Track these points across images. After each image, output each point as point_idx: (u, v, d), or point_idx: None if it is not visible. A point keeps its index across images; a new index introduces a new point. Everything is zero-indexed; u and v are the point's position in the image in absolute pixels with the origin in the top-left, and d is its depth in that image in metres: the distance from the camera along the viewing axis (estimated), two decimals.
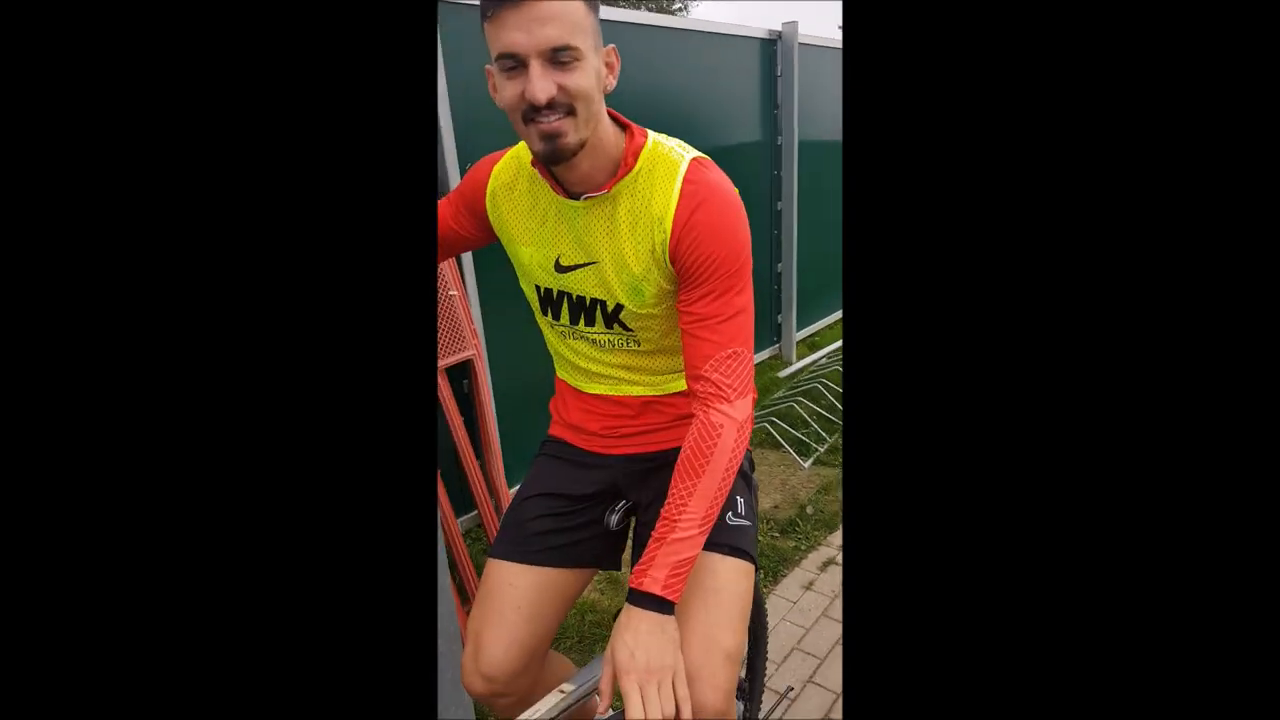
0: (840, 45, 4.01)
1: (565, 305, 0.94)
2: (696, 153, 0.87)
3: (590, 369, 0.99)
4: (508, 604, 0.94)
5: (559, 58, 0.74)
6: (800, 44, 3.27)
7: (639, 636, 0.77)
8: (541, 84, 0.74)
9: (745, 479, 1.00)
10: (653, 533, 0.84)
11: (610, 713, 0.76)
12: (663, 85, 2.67)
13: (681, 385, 0.99)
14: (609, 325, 0.93)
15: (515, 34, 0.73)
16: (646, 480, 1.03)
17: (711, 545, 0.90)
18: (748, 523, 0.95)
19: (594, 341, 0.96)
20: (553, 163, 0.81)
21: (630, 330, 0.93)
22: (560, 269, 0.92)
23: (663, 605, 0.79)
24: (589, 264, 0.90)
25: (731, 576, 0.89)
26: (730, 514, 0.94)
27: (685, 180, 0.84)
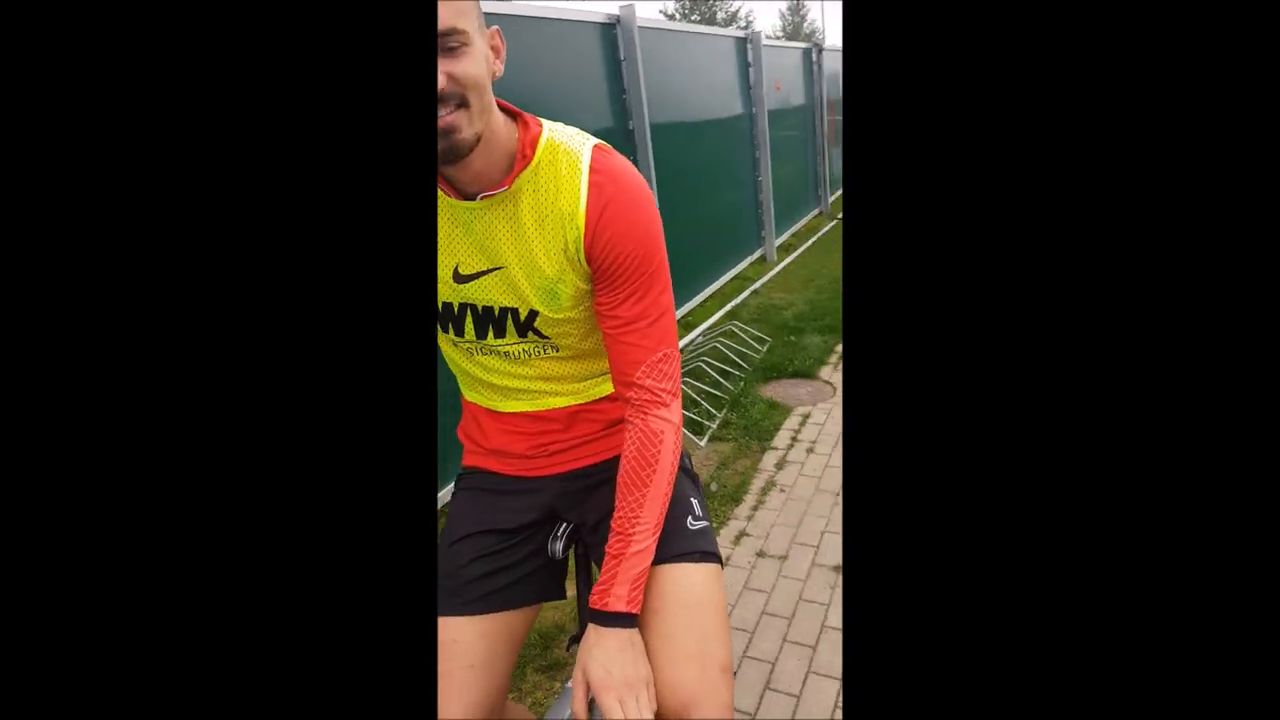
0: (676, 28, 4.06)
1: (469, 318, 0.85)
2: (595, 139, 0.81)
3: (506, 385, 0.90)
4: (456, 664, 0.84)
5: (445, 44, 0.66)
6: (640, 27, 3.26)
7: (610, 654, 0.76)
8: None
9: (691, 477, 0.96)
10: (607, 549, 0.79)
11: None
12: (504, 76, 2.55)
13: (608, 389, 0.93)
14: (522, 334, 0.85)
15: None
16: (587, 499, 0.96)
17: (680, 555, 0.86)
18: (706, 523, 0.92)
19: (506, 354, 0.87)
20: (446, 162, 0.72)
21: (546, 337, 0.85)
22: (459, 279, 0.82)
23: (630, 621, 0.77)
24: (493, 269, 0.81)
25: (709, 587, 0.85)
26: (690, 518, 0.90)
27: (592, 171, 0.77)
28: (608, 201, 0.77)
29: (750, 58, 5.10)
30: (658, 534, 0.80)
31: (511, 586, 0.91)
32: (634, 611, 0.77)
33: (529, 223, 0.78)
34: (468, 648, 0.85)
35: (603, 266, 0.79)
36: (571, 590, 1.00)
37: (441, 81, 0.66)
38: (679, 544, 0.86)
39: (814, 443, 2.64)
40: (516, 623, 0.91)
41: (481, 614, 0.88)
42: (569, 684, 0.88)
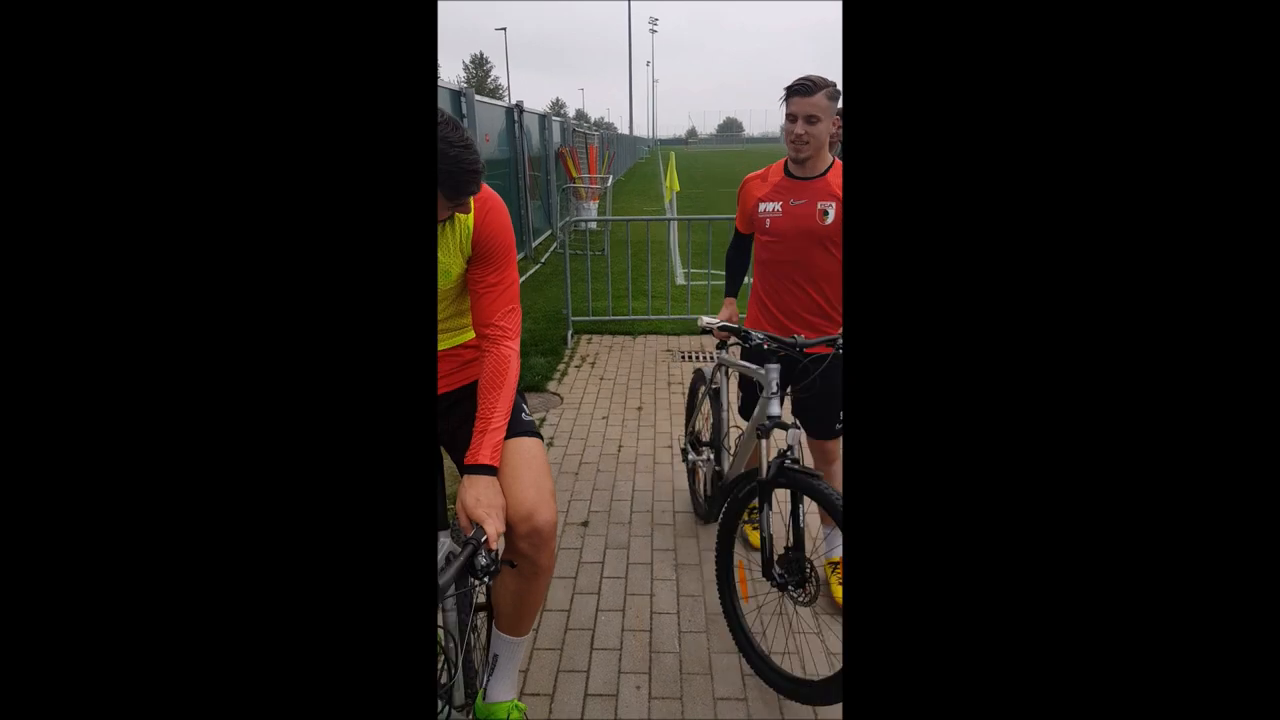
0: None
1: None
2: None
3: None
4: None
5: None
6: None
7: (480, 489, 1.16)
8: None
9: (520, 394, 1.41)
10: (474, 427, 1.23)
11: (472, 533, 1.07)
12: None
13: (463, 339, 1.38)
14: None
15: None
16: (450, 412, 1.40)
17: (519, 432, 1.32)
18: (530, 417, 1.38)
19: None
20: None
21: None
22: None
23: (492, 470, 1.20)
24: None
25: (537, 449, 1.34)
26: (522, 413, 1.36)
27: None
28: (487, 211, 1.23)
29: (464, 110, 5.58)
30: (507, 420, 1.25)
31: None
32: (495, 464, 1.20)
33: (444, 229, 1.20)
34: None
35: (481, 250, 1.25)
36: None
37: None
38: (518, 426, 1.32)
39: (552, 438, 3.16)
40: None
41: None
42: (445, 534, 1.26)
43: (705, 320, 1.80)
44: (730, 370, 2.07)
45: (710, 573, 2.17)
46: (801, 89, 1.70)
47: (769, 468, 1.56)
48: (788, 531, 1.59)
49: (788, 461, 1.55)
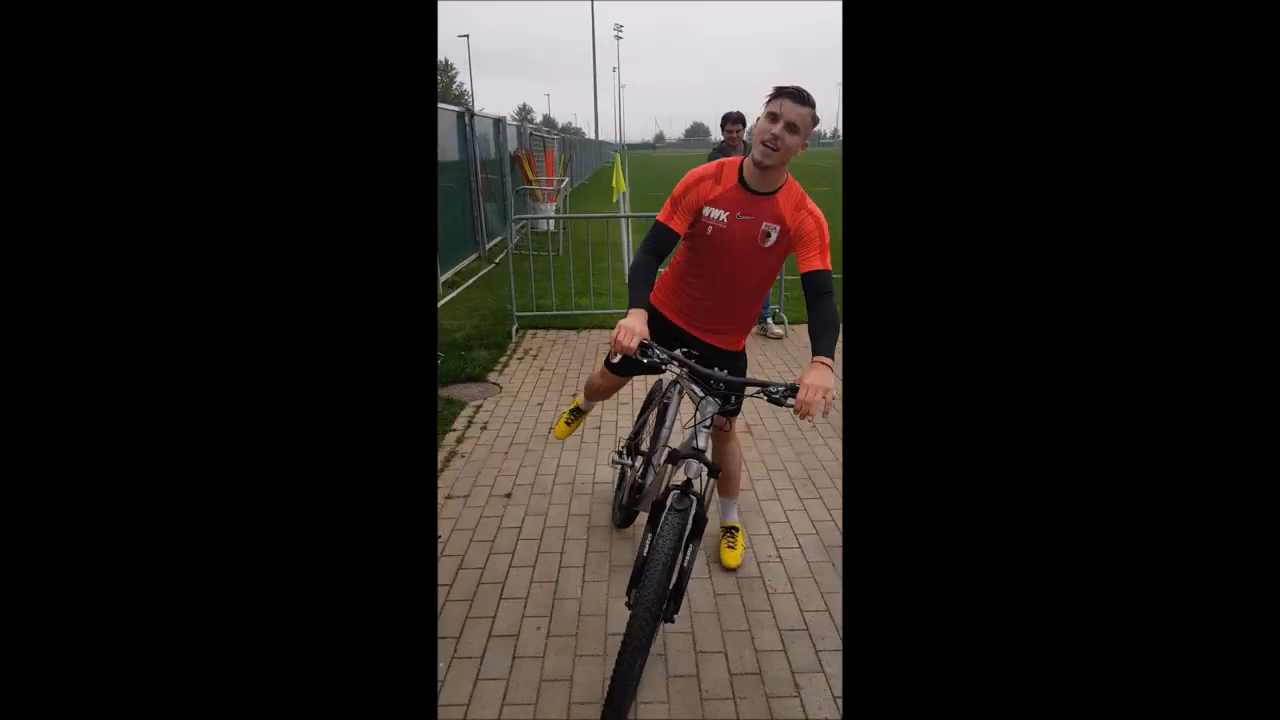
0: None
1: None
2: None
3: None
4: None
5: None
6: None
7: None
8: None
9: None
10: None
11: None
12: None
13: None
14: None
15: None
16: None
17: None
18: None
19: None
20: None
21: None
22: None
23: None
24: None
25: None
26: None
27: None
28: None
29: None
30: None
31: None
32: None
33: None
34: None
35: None
36: None
37: None
38: None
39: (486, 422, 3.33)
40: None
41: None
42: None
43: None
44: (684, 389, 1.82)
45: (622, 532, 2.36)
46: (796, 95, 1.58)
47: (665, 493, 1.56)
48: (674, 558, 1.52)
49: (678, 492, 1.55)
